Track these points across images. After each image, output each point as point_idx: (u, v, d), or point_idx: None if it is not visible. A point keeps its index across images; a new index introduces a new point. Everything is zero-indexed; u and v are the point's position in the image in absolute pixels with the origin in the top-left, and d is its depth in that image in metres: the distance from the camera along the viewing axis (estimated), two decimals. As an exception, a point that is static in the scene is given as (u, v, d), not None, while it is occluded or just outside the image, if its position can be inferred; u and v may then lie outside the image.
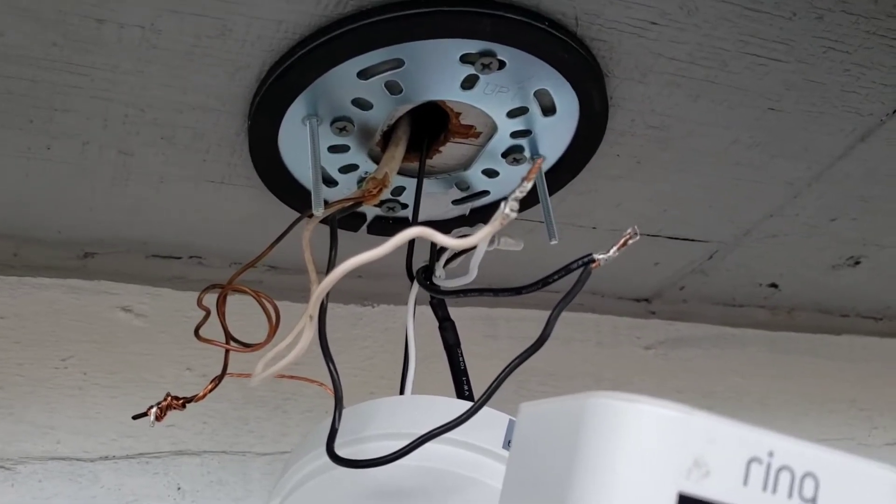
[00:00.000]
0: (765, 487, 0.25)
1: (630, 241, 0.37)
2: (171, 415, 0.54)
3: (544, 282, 0.38)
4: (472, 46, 0.43)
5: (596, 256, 0.37)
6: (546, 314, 0.72)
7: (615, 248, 0.37)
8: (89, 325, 0.56)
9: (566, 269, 0.38)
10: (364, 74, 0.43)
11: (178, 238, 0.57)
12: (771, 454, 0.25)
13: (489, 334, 0.66)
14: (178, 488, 0.55)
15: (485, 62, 0.43)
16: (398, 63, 0.43)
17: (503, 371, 0.39)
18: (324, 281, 0.34)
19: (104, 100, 0.44)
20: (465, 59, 0.43)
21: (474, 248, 0.48)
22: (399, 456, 0.38)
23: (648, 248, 0.65)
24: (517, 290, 0.39)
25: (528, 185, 0.33)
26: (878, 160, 0.57)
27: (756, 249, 0.67)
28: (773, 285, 0.74)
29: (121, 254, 0.58)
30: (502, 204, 0.34)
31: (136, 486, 0.54)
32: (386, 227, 0.56)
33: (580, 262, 0.38)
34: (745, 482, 0.25)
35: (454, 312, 0.67)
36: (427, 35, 0.42)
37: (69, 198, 0.52)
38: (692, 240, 0.65)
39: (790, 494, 0.25)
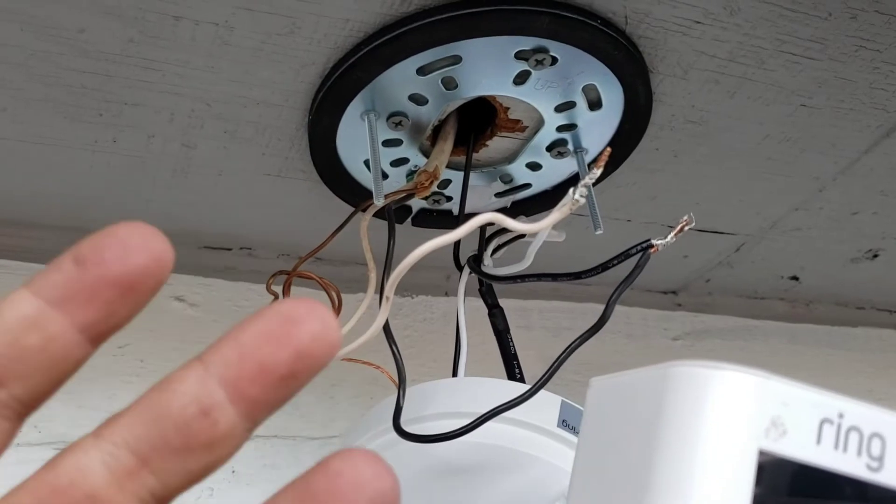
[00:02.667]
0: (836, 446, 0.27)
1: (686, 228, 0.40)
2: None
3: (604, 266, 0.41)
4: (527, 43, 0.45)
5: (654, 242, 0.40)
6: (578, 306, 0.75)
7: (673, 235, 0.40)
8: (144, 314, 0.57)
9: (625, 255, 0.40)
10: (423, 71, 0.45)
11: (230, 230, 0.59)
12: (841, 416, 0.27)
13: (523, 325, 0.68)
14: (233, 471, 0.57)
15: (538, 58, 0.45)
16: (456, 59, 0.45)
17: (564, 352, 0.41)
18: (402, 262, 0.37)
19: (173, 94, 0.46)
20: (519, 55, 0.45)
21: (526, 237, 0.51)
22: (465, 432, 0.40)
23: (679, 241, 0.66)
24: (577, 275, 0.41)
25: (598, 172, 0.35)
26: (902, 155, 0.60)
27: (780, 242, 0.69)
28: (794, 278, 0.76)
29: (175, 245, 0.59)
30: (571, 190, 0.36)
31: (193, 469, 0.55)
32: (430, 219, 0.58)
33: (639, 248, 0.40)
34: (819, 441, 0.27)
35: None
36: (485, 32, 0.44)
37: (129, 190, 0.54)
38: (721, 232, 0.67)
39: (859, 453, 0.27)
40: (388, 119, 0.48)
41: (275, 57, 0.45)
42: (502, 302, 0.71)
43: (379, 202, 0.46)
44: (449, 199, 0.56)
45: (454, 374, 0.49)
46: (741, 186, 0.61)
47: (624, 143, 0.53)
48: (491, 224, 0.37)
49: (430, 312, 0.66)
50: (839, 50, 0.49)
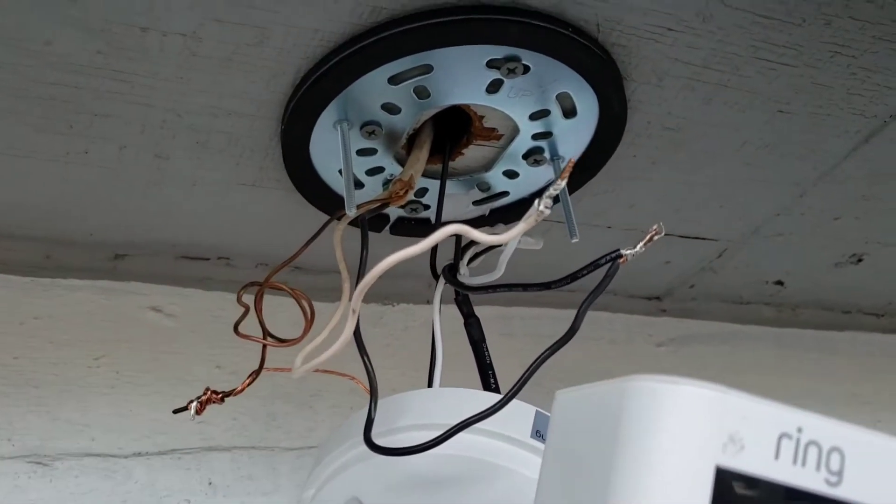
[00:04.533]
0: (794, 461, 0.27)
1: (656, 237, 0.39)
2: (203, 412, 0.56)
3: (573, 276, 0.40)
4: (499, 52, 0.45)
5: (623, 252, 0.39)
6: (560, 312, 0.74)
7: (642, 244, 0.39)
8: (121, 325, 0.58)
9: (594, 265, 0.40)
10: (394, 80, 0.45)
11: (207, 240, 0.59)
12: (800, 430, 0.27)
13: (505, 333, 0.68)
14: (210, 483, 0.56)
15: (510, 67, 0.45)
16: (427, 69, 0.45)
17: (534, 363, 0.40)
18: (368, 274, 0.36)
19: (144, 105, 0.46)
20: (491, 64, 0.45)
21: (501, 246, 0.50)
22: (436, 444, 0.40)
23: (660, 247, 0.67)
24: (546, 285, 0.41)
25: (563, 184, 0.35)
26: (881, 161, 0.59)
27: (763, 248, 0.69)
28: (779, 283, 0.76)
29: (151, 255, 0.60)
30: (536, 202, 0.36)
31: (169, 482, 0.55)
32: (408, 227, 0.57)
33: (608, 258, 0.39)
34: (777, 456, 0.27)
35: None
36: (456, 41, 0.44)
37: (103, 201, 0.54)
38: (703, 238, 0.66)
39: (818, 467, 0.27)
40: (361, 128, 0.48)
41: (245, 67, 0.44)
42: (484, 310, 0.70)
43: (351, 212, 0.46)
44: (427, 207, 0.56)
45: (429, 384, 0.49)
46: (721, 193, 0.60)
47: (600, 150, 0.53)
48: (458, 235, 0.37)
49: (411, 321, 0.66)
50: (814, 56, 0.49)
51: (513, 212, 0.57)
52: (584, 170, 0.54)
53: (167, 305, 0.59)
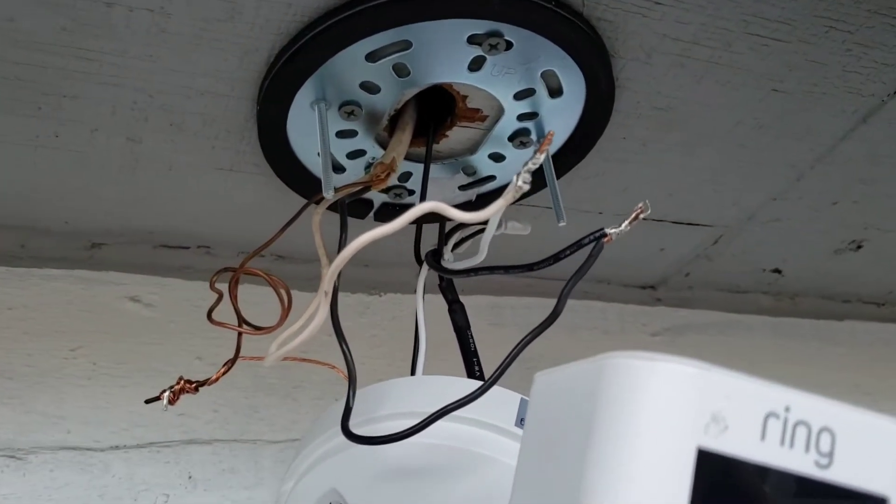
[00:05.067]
0: (782, 442, 0.25)
1: (641, 216, 0.38)
2: (182, 404, 0.55)
3: (556, 257, 0.39)
4: (480, 27, 0.43)
5: (608, 231, 0.38)
6: (551, 301, 0.72)
7: (627, 223, 0.38)
8: (98, 315, 0.56)
9: (578, 245, 0.38)
10: (372, 57, 0.44)
11: (186, 227, 0.58)
12: (788, 409, 0.25)
13: (495, 322, 0.67)
14: (190, 477, 0.55)
15: (492, 42, 0.44)
16: (406, 45, 0.43)
17: (516, 347, 0.39)
18: (339, 256, 0.35)
19: (113, 85, 0.45)
20: (472, 40, 0.44)
21: (483, 229, 0.49)
22: (413, 432, 0.38)
23: (654, 234, 0.65)
24: (529, 267, 0.39)
25: (542, 157, 0.33)
26: (880, 142, 0.58)
27: (760, 234, 0.67)
28: (777, 271, 0.74)
29: (129, 244, 0.58)
30: (514, 177, 0.34)
31: (147, 475, 0.54)
32: (393, 213, 0.56)
33: (592, 237, 0.38)
34: (763, 437, 0.25)
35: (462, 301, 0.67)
36: (435, 15, 0.42)
37: (77, 187, 0.52)
38: (697, 224, 0.65)
39: (807, 449, 0.25)
40: (339, 108, 0.47)
41: (216, 44, 0.43)
42: (474, 299, 0.69)
43: (328, 195, 0.44)
44: (411, 192, 0.54)
45: (412, 372, 0.47)
46: (715, 176, 0.59)
47: (588, 131, 0.51)
48: (434, 214, 0.35)
49: (398, 310, 0.64)
50: (808, 31, 0.48)
51: (498, 196, 0.55)
52: (572, 152, 0.52)
53: (146, 295, 0.58)
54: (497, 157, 0.52)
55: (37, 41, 0.42)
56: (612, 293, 0.72)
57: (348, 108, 0.46)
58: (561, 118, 0.50)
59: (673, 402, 0.25)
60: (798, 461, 0.25)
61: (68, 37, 0.42)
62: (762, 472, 0.25)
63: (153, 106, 0.46)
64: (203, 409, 0.57)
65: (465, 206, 0.56)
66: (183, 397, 0.47)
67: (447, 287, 0.50)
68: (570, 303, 0.73)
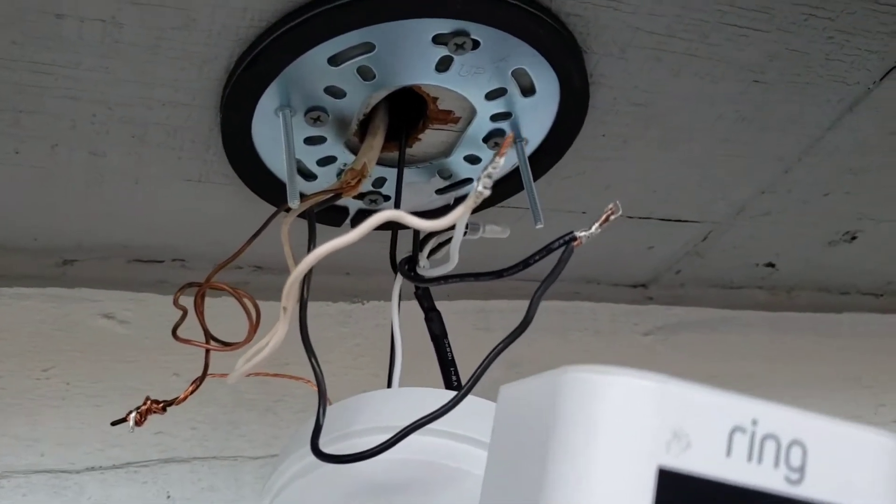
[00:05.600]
0: (749, 458, 0.24)
1: (612, 217, 0.36)
2: (160, 422, 0.54)
3: (525, 263, 0.37)
4: (444, 26, 0.42)
5: (577, 234, 0.36)
6: (542, 304, 0.71)
7: (597, 225, 0.36)
8: (71, 334, 0.55)
9: (547, 249, 0.37)
10: (334, 60, 0.42)
11: (159, 241, 0.56)
12: (755, 422, 0.24)
13: (482, 327, 0.65)
14: (168, 496, 0.54)
15: (458, 42, 0.42)
16: (369, 47, 0.42)
17: (486, 358, 0.37)
18: (295, 270, 0.33)
19: (70, 98, 0.43)
20: (437, 39, 0.42)
21: (465, 234, 0.48)
22: (382, 449, 0.37)
23: (641, 232, 0.64)
24: (498, 274, 0.38)
25: (501, 161, 0.32)
26: (868, 131, 0.56)
27: (750, 228, 0.66)
28: (771, 265, 0.73)
29: (101, 260, 0.57)
30: (475, 182, 0.33)
31: (124, 497, 0.53)
32: (369, 220, 0.54)
33: (561, 241, 0.37)
34: (729, 453, 0.24)
35: (447, 306, 0.66)
36: (395, 16, 0.41)
37: (43, 203, 0.51)
38: (685, 221, 0.63)
39: (776, 464, 0.24)
40: (305, 114, 0.45)
41: (172, 53, 0.42)
42: (461, 304, 0.68)
43: (293, 204, 0.43)
44: (387, 198, 0.53)
45: (388, 384, 0.46)
46: (699, 171, 0.57)
47: (565, 130, 0.50)
48: (397, 223, 0.34)
49: (382, 318, 0.63)
50: (787, 19, 0.46)
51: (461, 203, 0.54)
52: (550, 152, 0.51)
53: (120, 311, 0.56)
54: (473, 160, 0.51)
55: (-13, 56, 0.40)
56: (603, 293, 0.71)
57: (314, 113, 0.45)
58: (535, 117, 0.48)
59: (631, 418, 0.23)
60: (767, 478, 0.24)
61: (19, 50, 0.40)
62: (729, 491, 0.23)
63: (113, 118, 0.45)
64: (181, 427, 0.56)
65: (443, 210, 0.54)
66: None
67: (423, 295, 0.48)
68: (559, 304, 0.72)
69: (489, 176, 0.32)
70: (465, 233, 0.50)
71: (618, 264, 0.70)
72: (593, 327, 0.69)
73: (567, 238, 0.36)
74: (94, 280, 0.56)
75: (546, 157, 0.51)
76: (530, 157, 0.51)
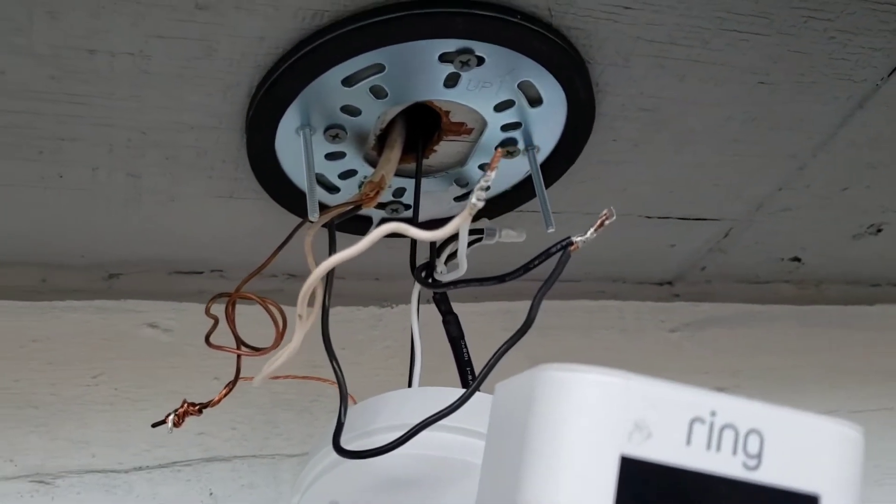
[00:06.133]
0: (708, 446, 0.26)
1: (607, 222, 0.38)
2: (202, 423, 0.57)
3: (526, 267, 0.40)
4: (449, 46, 0.44)
5: (574, 239, 0.38)
6: (565, 304, 0.73)
7: (592, 230, 0.38)
8: (118, 343, 0.59)
9: (546, 254, 0.39)
10: (348, 82, 0.45)
11: (198, 254, 0.60)
12: (713, 413, 0.26)
13: (508, 327, 0.67)
14: (211, 494, 0.57)
15: (463, 59, 0.45)
16: (380, 68, 0.45)
17: (491, 358, 0.40)
18: (307, 281, 0.36)
19: (106, 126, 0.47)
20: (443, 58, 0.45)
21: (479, 240, 0.50)
22: (397, 445, 0.39)
23: (661, 231, 0.65)
24: (500, 279, 0.40)
25: (492, 175, 0.34)
26: (881, 125, 0.57)
27: (772, 224, 0.67)
28: (797, 259, 0.74)
29: (144, 273, 0.60)
30: (471, 195, 0.35)
31: (170, 494, 0.56)
32: (393, 228, 0.57)
33: (559, 246, 0.39)
34: (689, 442, 0.26)
35: (475, 307, 0.68)
36: (402, 38, 0.43)
37: (87, 222, 0.55)
38: (704, 219, 0.65)
39: (735, 451, 0.26)
40: (325, 132, 0.48)
41: (198, 81, 0.45)
42: (489, 305, 0.70)
43: (313, 218, 0.45)
44: (407, 207, 0.56)
45: (409, 384, 0.49)
46: (712, 170, 0.59)
47: (575, 136, 0.52)
48: (397, 234, 0.37)
49: (410, 322, 0.65)
50: (787, 23, 0.48)
51: (496, 206, 0.56)
52: (562, 158, 0.53)
53: (163, 321, 0.60)
54: (487, 168, 0.53)
55: (29, 90, 0.44)
56: (628, 292, 0.73)
57: (333, 131, 0.48)
58: (545, 125, 0.50)
59: (596, 411, 0.26)
60: (725, 464, 0.26)
61: (57, 84, 0.44)
62: (689, 477, 0.25)
63: (147, 142, 0.48)
64: (222, 428, 0.59)
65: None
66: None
67: (440, 299, 0.51)
68: (586, 304, 0.74)
69: (482, 189, 0.35)
70: (482, 238, 0.53)
71: (641, 263, 0.71)
72: (619, 325, 0.71)
73: (564, 243, 0.38)
74: (138, 292, 0.60)
75: (559, 162, 0.53)
76: (544, 164, 0.53)
